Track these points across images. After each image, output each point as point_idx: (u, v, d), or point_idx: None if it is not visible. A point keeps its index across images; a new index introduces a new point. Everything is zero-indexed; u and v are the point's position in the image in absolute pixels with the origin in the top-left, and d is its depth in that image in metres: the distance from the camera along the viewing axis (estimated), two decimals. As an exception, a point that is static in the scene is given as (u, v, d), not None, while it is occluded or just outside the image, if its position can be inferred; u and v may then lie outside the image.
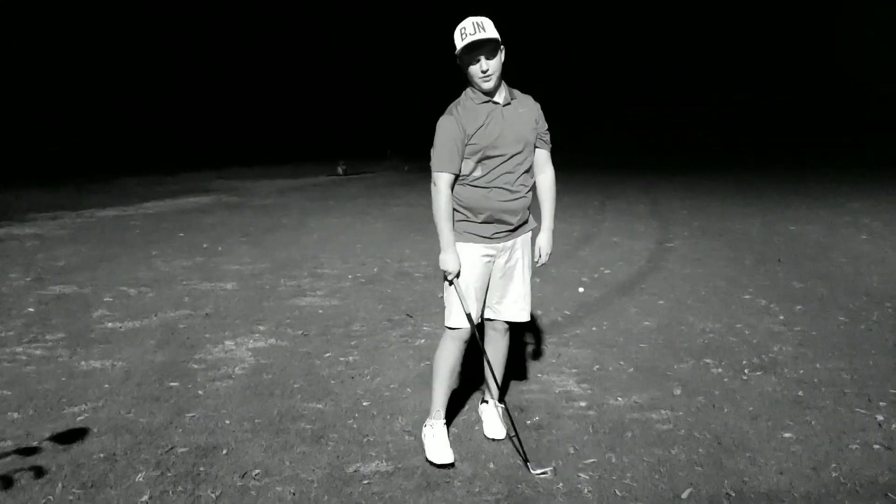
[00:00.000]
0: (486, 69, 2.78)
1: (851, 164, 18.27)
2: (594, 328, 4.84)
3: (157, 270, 6.73)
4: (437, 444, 2.91)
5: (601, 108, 32.65)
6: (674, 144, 28.33)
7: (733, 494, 2.66)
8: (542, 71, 33.05)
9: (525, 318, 3.13)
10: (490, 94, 2.86)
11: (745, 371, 3.96)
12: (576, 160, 22.65)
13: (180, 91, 30.06)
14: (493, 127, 2.84)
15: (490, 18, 2.82)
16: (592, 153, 25.66)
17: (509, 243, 2.99)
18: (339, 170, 18.13)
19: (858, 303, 5.32)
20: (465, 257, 2.91)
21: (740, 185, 14.24)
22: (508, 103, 2.91)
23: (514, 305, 3.08)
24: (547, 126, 3.05)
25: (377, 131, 27.42)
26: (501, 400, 3.29)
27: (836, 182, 14.11)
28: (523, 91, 3.05)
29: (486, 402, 3.31)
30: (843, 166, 17.69)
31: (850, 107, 28.10)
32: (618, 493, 2.68)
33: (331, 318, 5.10)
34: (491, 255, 2.97)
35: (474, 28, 2.76)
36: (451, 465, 2.85)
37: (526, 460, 2.88)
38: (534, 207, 3.06)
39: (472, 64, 2.79)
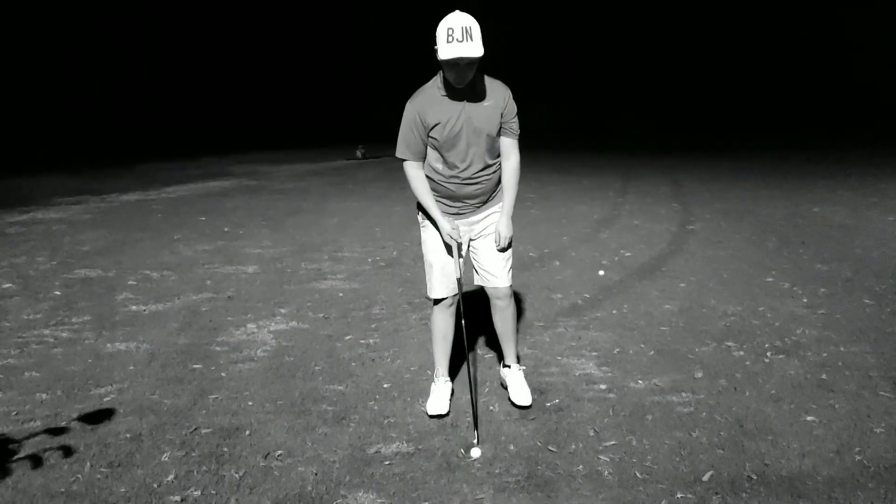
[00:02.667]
0: (462, 78, 2.82)
1: (876, 145, 17.88)
2: (614, 311, 4.82)
3: (179, 254, 6.81)
4: (433, 398, 3.25)
5: (623, 90, 32.24)
6: (696, 127, 27.91)
7: (755, 477, 2.64)
8: (562, 52, 32.68)
9: (506, 283, 3.27)
10: (460, 87, 2.88)
11: (768, 354, 3.92)
12: (597, 142, 22.42)
13: (200, 77, 30.19)
14: (454, 126, 2.93)
15: (475, 18, 2.77)
16: (614, 135, 25.38)
17: (477, 217, 3.18)
18: (358, 153, 18.15)
19: (885, 285, 5.23)
20: (433, 228, 3.17)
21: (763, 167, 14.01)
22: (478, 100, 2.94)
23: (501, 272, 3.24)
24: (515, 112, 3.06)
25: (396, 114, 27.32)
26: (518, 361, 3.46)
27: (860, 164, 13.83)
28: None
29: (508, 366, 3.43)
30: (868, 148, 17.33)
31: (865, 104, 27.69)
32: (638, 475, 2.68)
33: (351, 302, 5.13)
34: (460, 228, 3.17)
35: (462, 34, 2.71)
36: (444, 415, 3.16)
37: (476, 430, 2.95)
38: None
39: (449, 67, 2.79)
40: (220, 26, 30.78)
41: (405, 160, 3.05)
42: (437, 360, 3.35)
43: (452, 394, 3.37)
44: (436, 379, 3.36)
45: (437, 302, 3.27)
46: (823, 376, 3.58)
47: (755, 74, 31.04)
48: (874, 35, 28.12)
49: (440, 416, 3.17)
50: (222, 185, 12.86)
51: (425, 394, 3.45)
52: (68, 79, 25.83)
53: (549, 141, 20.61)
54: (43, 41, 24.79)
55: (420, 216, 3.25)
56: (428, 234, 3.22)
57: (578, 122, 29.14)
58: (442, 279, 3.21)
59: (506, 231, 3.16)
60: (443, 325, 3.29)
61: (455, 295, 3.23)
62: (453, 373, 3.48)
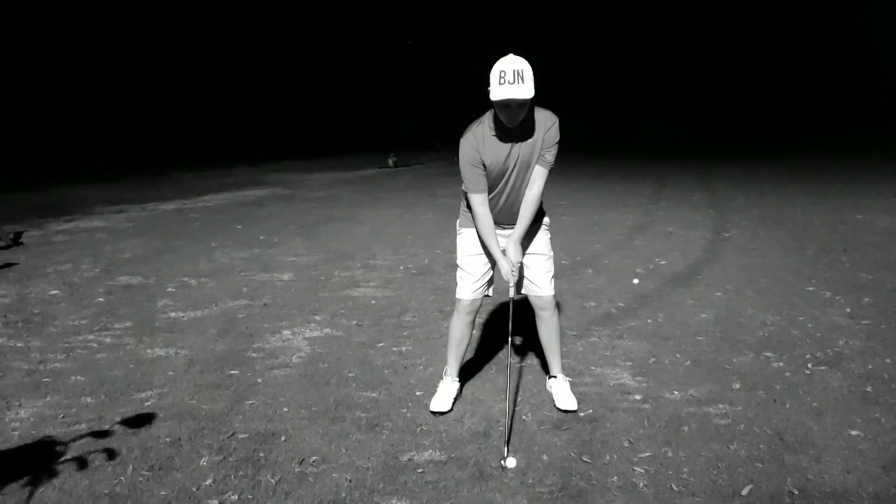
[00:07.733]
0: (513, 118, 2.89)
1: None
2: (649, 320, 4.76)
3: (216, 262, 6.94)
4: (438, 395, 3.40)
5: (650, 96, 31.93)
6: (729, 132, 27.46)
7: (796, 492, 2.58)
8: (597, 56, 32.50)
9: (550, 292, 3.36)
10: (512, 127, 2.94)
11: (809, 365, 3.83)
12: (628, 149, 22.21)
13: (233, 87, 30.77)
14: (503, 165, 3.04)
15: (528, 62, 2.84)
16: (644, 141, 25.10)
17: (510, 229, 3.23)
18: (390, 162, 18.29)
19: (932, 295, 5.07)
20: (470, 239, 3.28)
21: (801, 173, 13.71)
22: (528, 137, 3.01)
23: (543, 281, 3.33)
24: (555, 142, 3.05)
25: (427, 123, 27.50)
26: (563, 372, 3.51)
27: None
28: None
29: (554, 377, 3.48)
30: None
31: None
32: (674, 487, 2.64)
33: (383, 309, 5.17)
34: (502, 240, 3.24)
35: (514, 77, 2.78)
36: (443, 413, 3.29)
37: (507, 443, 2.95)
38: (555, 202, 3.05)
39: (501, 107, 2.86)
40: (251, 35, 31.34)
41: (472, 193, 3.11)
42: (448, 361, 3.47)
43: (458, 394, 3.47)
44: (444, 377, 3.48)
45: (459, 305, 3.35)
46: (868, 389, 3.49)
47: (791, 78, 30.47)
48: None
49: (441, 413, 3.29)
50: (257, 193, 13.08)
51: (457, 402, 3.46)
52: (103, 91, 26.56)
53: (578, 147, 20.48)
54: (78, 54, 25.56)
55: (458, 223, 3.36)
56: (462, 240, 3.33)
57: (607, 128, 28.95)
58: (470, 284, 3.31)
59: (514, 256, 3.17)
60: (458, 332, 3.40)
61: (475, 301, 3.35)
62: (466, 375, 3.66)
